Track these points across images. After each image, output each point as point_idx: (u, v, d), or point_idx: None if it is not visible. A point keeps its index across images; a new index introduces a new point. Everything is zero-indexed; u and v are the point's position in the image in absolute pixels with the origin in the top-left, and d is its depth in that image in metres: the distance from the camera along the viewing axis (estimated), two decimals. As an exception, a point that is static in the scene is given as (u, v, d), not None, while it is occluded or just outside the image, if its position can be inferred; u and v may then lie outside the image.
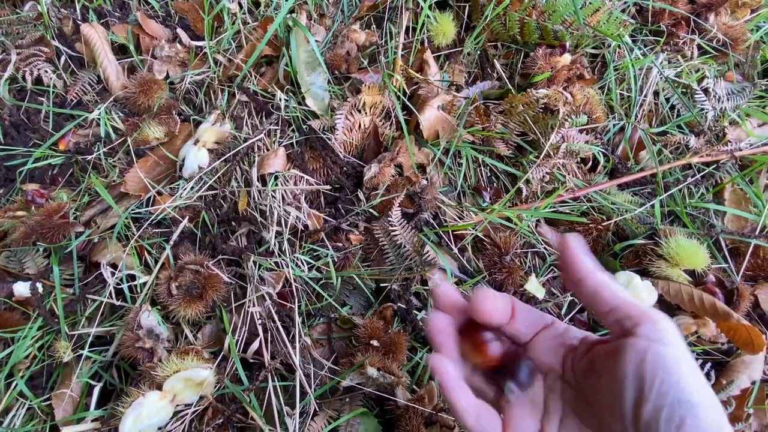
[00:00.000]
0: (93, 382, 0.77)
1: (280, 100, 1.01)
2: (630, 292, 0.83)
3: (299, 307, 0.85)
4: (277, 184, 0.92)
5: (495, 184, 1.06)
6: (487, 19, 1.09)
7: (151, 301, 0.85)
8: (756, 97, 1.09)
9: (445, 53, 1.18)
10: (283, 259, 0.84)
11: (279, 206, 0.89)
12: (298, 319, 0.80)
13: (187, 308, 0.80)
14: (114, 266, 0.88)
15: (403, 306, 0.88)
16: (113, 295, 0.83)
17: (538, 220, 0.99)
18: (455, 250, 0.96)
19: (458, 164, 1.04)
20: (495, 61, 1.17)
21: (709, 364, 0.79)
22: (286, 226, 0.88)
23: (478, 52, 1.18)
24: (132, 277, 0.87)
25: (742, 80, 1.12)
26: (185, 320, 0.83)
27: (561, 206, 0.99)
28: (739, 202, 0.95)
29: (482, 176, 1.05)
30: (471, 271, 0.93)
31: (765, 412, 0.75)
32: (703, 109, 1.01)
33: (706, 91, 1.04)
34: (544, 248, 0.98)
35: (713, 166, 0.96)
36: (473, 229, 0.95)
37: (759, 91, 1.09)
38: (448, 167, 1.04)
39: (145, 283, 0.86)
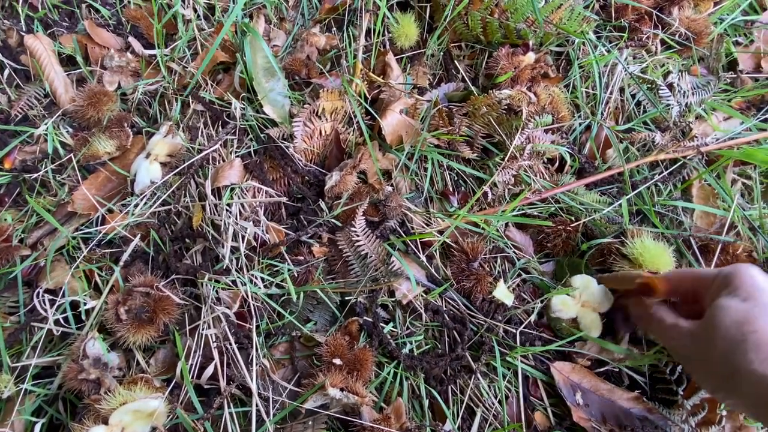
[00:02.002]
0: (35, 419, 0.72)
1: (236, 108, 0.97)
2: (585, 298, 0.81)
3: (258, 326, 0.81)
4: (232, 197, 0.88)
5: (463, 188, 1.03)
6: (448, 20, 1.06)
7: (99, 327, 0.80)
8: (721, 90, 1.09)
9: (409, 55, 1.15)
10: (240, 277, 0.80)
11: (235, 220, 0.85)
12: (256, 340, 0.76)
13: (136, 334, 0.75)
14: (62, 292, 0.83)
15: (370, 319, 0.85)
16: (53, 323, 0.78)
17: (506, 224, 0.96)
18: (423, 258, 0.93)
19: (424, 169, 1.01)
20: (458, 62, 1.14)
21: (680, 367, 0.77)
22: (242, 241, 0.84)
23: (442, 53, 1.15)
24: (81, 303, 0.82)
25: (707, 74, 1.11)
26: (137, 346, 0.78)
27: (529, 208, 0.97)
28: (707, 197, 0.93)
29: (449, 181, 1.02)
30: (439, 279, 0.90)
31: (738, 414, 0.73)
32: (668, 105, 1.00)
33: (670, 86, 1.02)
34: (514, 252, 0.95)
35: (680, 163, 0.95)
36: (440, 235, 0.92)
37: (723, 85, 1.08)
38: (414, 173, 1.01)
39: (93, 308, 0.81)
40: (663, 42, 1.13)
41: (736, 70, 1.12)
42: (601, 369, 0.79)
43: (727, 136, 0.96)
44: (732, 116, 1.02)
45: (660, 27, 1.13)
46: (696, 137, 0.95)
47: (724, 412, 0.73)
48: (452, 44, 1.16)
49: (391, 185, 0.99)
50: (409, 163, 0.99)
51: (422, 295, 0.89)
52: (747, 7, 1.24)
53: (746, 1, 1.22)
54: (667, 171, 0.95)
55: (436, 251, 0.94)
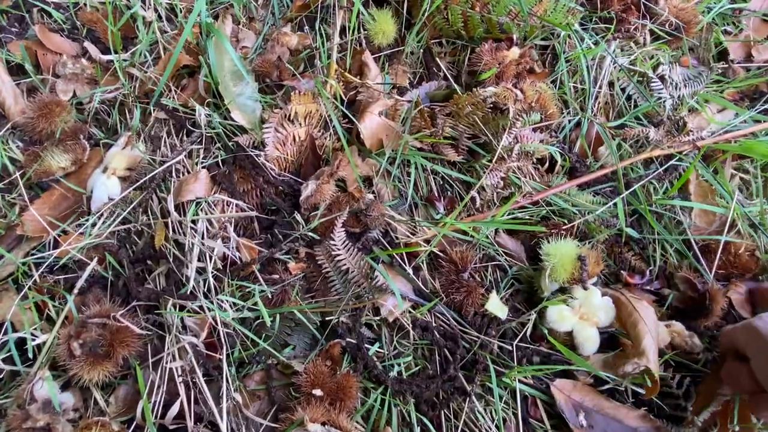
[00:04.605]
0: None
1: (201, 115, 0.89)
2: (585, 310, 0.76)
3: (230, 355, 0.74)
4: (197, 213, 0.80)
5: (449, 193, 0.97)
6: (426, 15, 1.00)
7: (52, 363, 0.72)
8: (713, 81, 1.04)
9: (387, 53, 1.08)
10: (206, 302, 0.72)
11: (200, 239, 0.77)
12: (226, 371, 0.68)
13: (91, 371, 0.67)
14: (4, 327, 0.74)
15: (353, 341, 0.78)
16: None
17: (497, 229, 0.90)
18: (409, 271, 0.86)
19: (407, 174, 0.95)
20: (439, 59, 1.08)
21: (687, 379, 0.72)
22: (209, 262, 0.76)
23: (422, 50, 1.09)
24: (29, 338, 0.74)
25: (697, 65, 1.06)
26: (93, 384, 0.70)
27: (520, 212, 0.91)
28: (705, 194, 0.89)
29: (434, 185, 0.96)
30: (427, 293, 0.84)
31: (752, 429, 0.68)
32: (660, 98, 0.95)
33: (662, 78, 0.98)
34: (506, 260, 0.89)
35: (676, 159, 0.90)
36: (426, 245, 0.85)
37: (716, 75, 1.04)
38: (396, 178, 0.95)
39: (44, 343, 0.72)
40: (651, 33, 1.08)
41: (727, 59, 1.08)
42: (605, 387, 0.73)
43: (723, 129, 0.91)
44: (726, 108, 0.97)
45: (648, 17, 1.08)
46: (692, 131, 0.90)
47: (737, 428, 0.67)
48: (432, 40, 1.09)
49: (373, 193, 0.92)
50: (391, 168, 0.92)
51: (410, 311, 0.83)
52: (734, -5, 1.20)
53: (733, -12, 1.18)
54: (663, 168, 0.90)
55: (423, 262, 0.88)
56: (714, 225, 0.85)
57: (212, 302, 0.72)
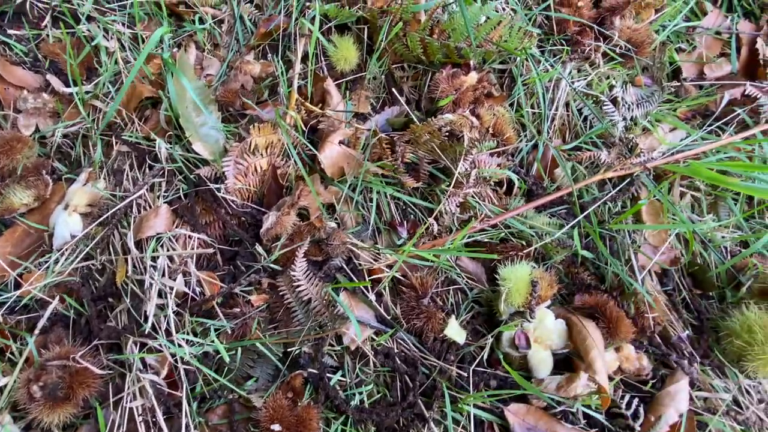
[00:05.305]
0: None
1: (160, 148, 0.90)
2: (539, 333, 0.78)
3: (191, 391, 0.75)
4: (158, 249, 0.81)
5: (413, 217, 0.99)
6: (384, 42, 1.02)
7: (13, 406, 0.73)
8: (666, 100, 1.08)
9: (351, 79, 1.10)
10: (164, 340, 0.73)
11: (159, 275, 0.78)
12: (186, 409, 0.69)
13: (51, 414, 0.68)
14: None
15: (315, 371, 0.80)
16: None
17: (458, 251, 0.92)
18: (372, 297, 0.88)
19: (370, 200, 0.96)
20: (402, 83, 1.10)
21: (636, 400, 0.74)
22: (169, 298, 0.77)
23: (384, 76, 1.11)
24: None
25: (651, 83, 1.10)
26: (55, 426, 0.71)
27: (479, 235, 0.93)
28: (656, 213, 0.92)
29: (397, 211, 0.98)
30: (389, 319, 0.86)
31: (696, 445, 0.71)
32: (612, 120, 0.98)
33: (614, 100, 1.00)
34: (466, 282, 0.91)
35: (628, 180, 0.93)
36: (389, 270, 0.87)
37: (667, 95, 1.07)
38: (360, 205, 0.96)
39: (5, 387, 0.73)
40: (606, 54, 1.11)
41: (679, 78, 1.11)
42: (558, 409, 0.75)
43: (673, 150, 0.94)
44: (677, 127, 1.01)
45: (602, 39, 1.11)
46: (642, 152, 0.93)
47: (683, 445, 0.70)
48: (395, 65, 1.11)
49: (336, 220, 0.94)
50: (354, 195, 0.94)
51: (372, 338, 0.84)
52: (689, 13, 1.23)
53: (687, 6, 1.22)
54: (616, 189, 0.92)
55: (385, 288, 0.89)
56: (665, 244, 0.88)
57: (172, 339, 0.73)
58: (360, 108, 1.06)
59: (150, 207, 0.88)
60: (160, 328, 0.75)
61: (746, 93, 0.99)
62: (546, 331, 0.79)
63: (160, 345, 0.74)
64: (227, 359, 0.74)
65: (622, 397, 0.74)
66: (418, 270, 0.91)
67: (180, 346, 0.73)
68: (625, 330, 0.78)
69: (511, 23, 1.01)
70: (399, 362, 0.82)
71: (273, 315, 0.85)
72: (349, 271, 0.89)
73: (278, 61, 1.07)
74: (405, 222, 0.96)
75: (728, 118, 1.00)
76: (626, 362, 0.77)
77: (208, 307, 0.80)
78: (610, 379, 0.75)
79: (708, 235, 0.91)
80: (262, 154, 0.93)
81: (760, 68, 1.11)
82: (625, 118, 0.99)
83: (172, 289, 0.77)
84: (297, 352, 0.81)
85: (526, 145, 1.01)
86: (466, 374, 0.78)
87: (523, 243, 0.92)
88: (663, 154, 0.93)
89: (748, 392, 0.78)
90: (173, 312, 0.78)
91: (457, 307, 0.90)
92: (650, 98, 1.03)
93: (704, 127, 0.99)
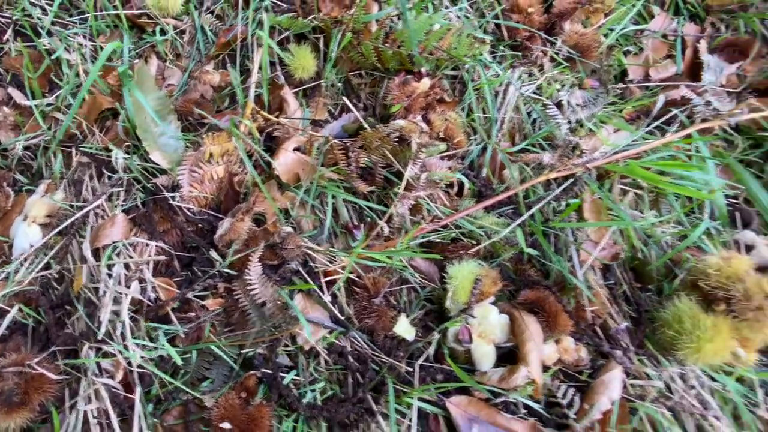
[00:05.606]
0: None
1: (117, 158, 0.93)
2: (483, 328, 0.82)
3: (147, 394, 0.77)
4: (113, 257, 0.84)
5: (369, 220, 1.02)
6: (337, 52, 1.05)
7: (-30, 413, 0.75)
8: (612, 102, 1.12)
9: (310, 86, 1.13)
10: (117, 345, 0.76)
11: (114, 283, 0.81)
12: (140, 411, 0.72)
13: (7, 419, 0.70)
14: None
15: (269, 371, 0.83)
16: None
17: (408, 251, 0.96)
18: (327, 298, 0.91)
19: (326, 205, 0.99)
20: (360, 90, 1.14)
21: (571, 390, 0.78)
22: (125, 304, 0.80)
23: (342, 83, 1.14)
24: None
25: (598, 86, 1.14)
26: (12, 431, 0.73)
27: (432, 235, 0.97)
28: (598, 212, 0.96)
29: (353, 214, 1.01)
30: (342, 319, 0.89)
31: (627, 431, 0.75)
32: (557, 123, 1.02)
33: (559, 104, 1.05)
34: (419, 281, 0.95)
35: (572, 180, 0.97)
36: (343, 272, 0.90)
37: (613, 97, 1.12)
38: (317, 209, 1.00)
39: (-38, 394, 0.75)
40: (554, 58, 1.15)
41: (625, 80, 1.16)
42: (499, 400, 0.79)
43: (614, 150, 0.98)
44: (621, 129, 1.05)
45: (550, 44, 1.15)
46: (584, 153, 0.97)
47: (614, 431, 0.74)
48: (352, 73, 1.15)
49: (292, 225, 0.97)
50: (309, 199, 0.97)
51: (326, 338, 0.88)
52: (637, 16, 1.28)
53: (634, 9, 1.26)
54: (560, 188, 0.96)
55: (340, 290, 0.92)
56: (605, 239, 0.92)
57: (127, 344, 0.76)
58: (317, 115, 1.09)
59: (108, 216, 0.91)
60: (115, 333, 0.78)
61: (676, 96, 1.04)
62: (489, 326, 0.83)
63: (114, 350, 0.76)
64: (179, 362, 0.77)
65: (559, 387, 0.78)
66: (372, 271, 0.94)
67: (132, 350, 0.76)
68: (563, 323, 0.82)
69: (460, 31, 1.05)
70: (351, 360, 0.86)
71: (229, 318, 0.88)
72: (305, 274, 0.92)
73: (236, 71, 1.10)
74: (361, 225, 1.00)
75: (667, 117, 1.04)
76: (565, 354, 0.81)
77: (164, 312, 0.82)
78: (546, 369, 0.79)
79: (648, 231, 0.96)
80: (218, 162, 0.96)
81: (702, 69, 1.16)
82: (569, 121, 1.03)
83: (125, 295, 0.80)
84: (251, 353, 0.84)
85: (477, 148, 1.04)
86: (412, 369, 0.81)
87: (474, 242, 0.96)
88: (604, 155, 0.97)
89: (679, 380, 0.82)
90: (129, 318, 0.80)
91: (410, 305, 0.94)
92: (595, 101, 1.08)
93: (644, 128, 1.03)
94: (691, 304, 0.81)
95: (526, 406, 0.79)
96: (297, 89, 1.12)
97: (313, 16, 1.08)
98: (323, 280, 0.92)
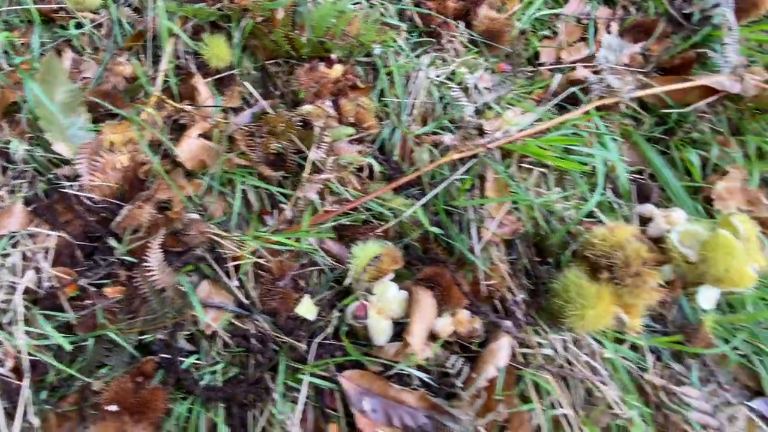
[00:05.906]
0: None
1: (16, 150, 0.92)
2: (381, 305, 0.83)
3: (42, 381, 0.77)
4: (6, 247, 0.83)
5: (284, 205, 1.03)
6: (243, 40, 1.06)
7: None
8: (522, 85, 1.15)
9: (226, 75, 1.13)
10: (6, 334, 0.75)
11: (8, 273, 0.80)
12: (24, 396, 0.72)
13: None
14: None
15: (168, 356, 0.83)
16: None
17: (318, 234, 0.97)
18: (234, 283, 0.91)
19: (235, 191, 1.00)
20: (277, 78, 1.14)
21: (461, 360, 0.80)
22: (16, 294, 0.79)
23: (259, 72, 1.15)
24: None
25: (510, 70, 1.17)
26: None
27: (343, 218, 0.98)
28: (500, 190, 0.98)
29: (264, 200, 1.02)
30: (247, 303, 0.90)
31: (513, 396, 0.77)
32: (461, 105, 1.04)
33: (465, 88, 1.07)
34: (329, 264, 0.96)
35: (476, 160, 0.99)
36: (252, 257, 0.91)
37: (522, 80, 1.15)
38: (229, 196, 1.00)
39: None
40: (468, 43, 1.18)
41: (535, 64, 1.19)
42: (392, 372, 0.81)
43: (516, 130, 1.01)
44: (528, 110, 1.08)
45: (463, 29, 1.17)
46: (487, 134, 1.00)
47: (501, 397, 0.76)
48: (269, 61, 1.15)
49: (201, 212, 0.97)
50: (216, 185, 0.97)
51: (231, 322, 0.88)
52: (552, 1, 1.31)
53: (550, -6, 1.30)
54: (464, 168, 0.99)
55: (247, 274, 0.93)
56: (499, 216, 0.95)
57: (10, 333, 0.75)
58: (230, 103, 1.09)
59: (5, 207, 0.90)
60: (4, 322, 0.78)
61: (578, 76, 1.07)
62: (387, 302, 0.84)
63: (1, 338, 0.76)
64: (68, 348, 0.77)
65: (448, 358, 0.80)
66: (280, 255, 0.95)
67: (18, 338, 0.76)
68: (456, 297, 0.84)
69: (366, 17, 1.07)
70: (254, 342, 0.86)
71: (130, 305, 0.88)
72: (211, 260, 0.93)
73: (148, 61, 1.10)
74: (274, 211, 1.00)
75: (570, 96, 1.08)
76: (460, 326, 0.83)
77: (58, 301, 0.82)
78: (434, 339, 0.81)
79: (550, 206, 0.99)
80: (121, 151, 0.96)
81: (612, 51, 1.20)
82: (476, 103, 1.05)
83: (20, 285, 0.79)
84: (151, 339, 0.84)
85: (388, 132, 1.06)
86: (307, 348, 0.82)
87: (383, 223, 0.98)
88: (506, 134, 1.00)
89: (573, 347, 0.85)
90: (23, 306, 0.80)
91: (319, 287, 0.95)
92: (503, 84, 1.10)
93: (546, 107, 1.06)
94: (579, 273, 0.84)
95: (419, 379, 0.81)
96: (214, 77, 1.12)
97: (220, 4, 1.08)
98: (230, 264, 0.92)
